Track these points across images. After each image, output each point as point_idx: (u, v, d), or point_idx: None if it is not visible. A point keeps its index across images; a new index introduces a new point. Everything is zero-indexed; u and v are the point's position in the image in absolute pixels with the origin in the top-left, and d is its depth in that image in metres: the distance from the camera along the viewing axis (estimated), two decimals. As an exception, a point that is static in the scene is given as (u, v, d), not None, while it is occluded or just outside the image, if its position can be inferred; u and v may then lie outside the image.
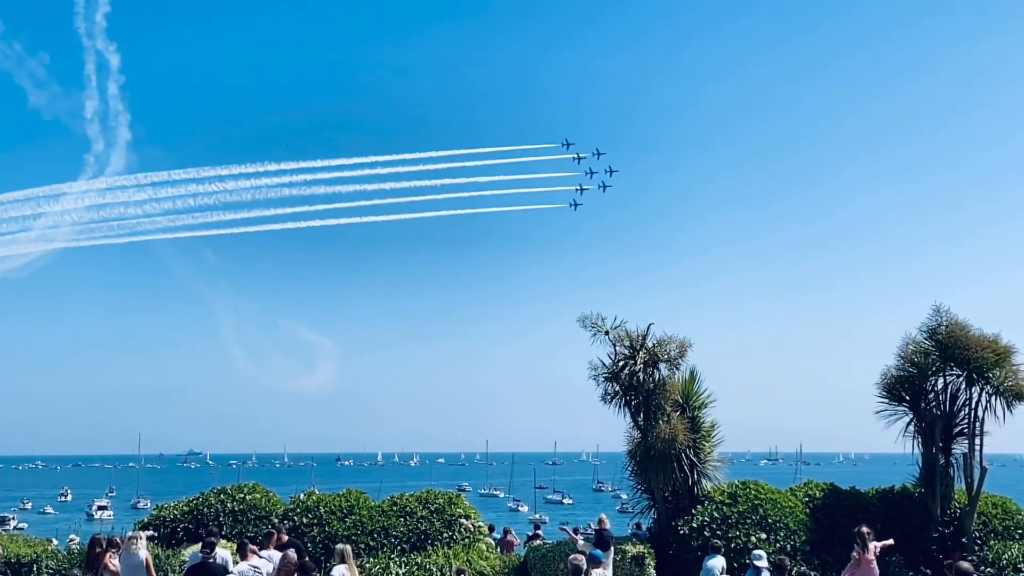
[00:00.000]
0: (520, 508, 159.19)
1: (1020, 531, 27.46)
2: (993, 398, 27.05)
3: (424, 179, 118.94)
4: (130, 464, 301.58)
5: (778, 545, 26.14)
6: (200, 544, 20.58)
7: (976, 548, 26.58)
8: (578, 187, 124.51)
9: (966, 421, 27.69)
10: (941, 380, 27.99)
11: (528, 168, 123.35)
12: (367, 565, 25.06)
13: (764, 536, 26.33)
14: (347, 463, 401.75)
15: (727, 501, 27.22)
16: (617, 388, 28.63)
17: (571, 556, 19.82)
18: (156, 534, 27.33)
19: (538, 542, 30.29)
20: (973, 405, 27.42)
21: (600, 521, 26.55)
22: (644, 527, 29.54)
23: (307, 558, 20.84)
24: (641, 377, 28.23)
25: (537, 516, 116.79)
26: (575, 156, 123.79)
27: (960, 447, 27.86)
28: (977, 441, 27.29)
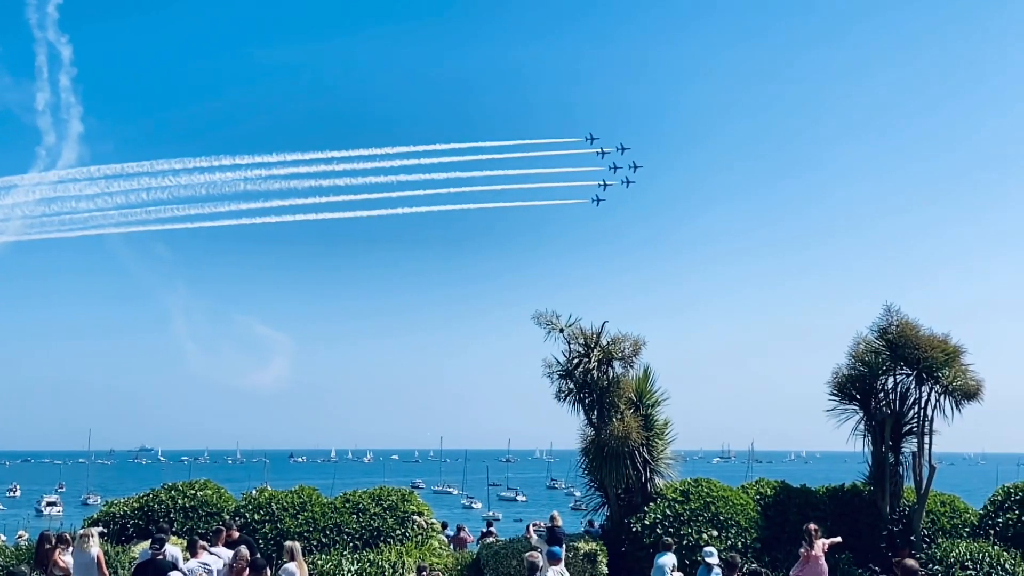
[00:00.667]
0: (474, 505, 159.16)
1: (967, 529, 27.80)
2: (942, 397, 27.36)
3: (415, 173, 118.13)
4: (80, 460, 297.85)
5: (729, 542, 26.27)
6: (150, 541, 20.41)
7: (924, 546, 26.86)
8: (601, 182, 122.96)
9: (915, 420, 27.98)
10: (891, 379, 28.27)
11: (549, 163, 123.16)
12: (319, 562, 24.95)
13: (715, 533, 26.45)
14: (300, 460, 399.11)
15: (679, 499, 27.33)
16: (571, 386, 28.65)
17: (527, 553, 19.86)
18: (106, 531, 27.04)
19: (491, 539, 30.31)
20: (922, 404, 27.72)
21: (552, 519, 26.68)
22: (597, 524, 29.62)
23: (258, 555, 20.69)
24: (595, 375, 28.28)
25: (490, 513, 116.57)
26: (599, 151, 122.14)
27: (909, 446, 28.17)
28: (926, 440, 27.59)
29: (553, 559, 20.81)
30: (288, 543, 20.85)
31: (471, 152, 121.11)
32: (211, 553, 21.25)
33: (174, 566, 19.82)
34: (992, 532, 27.16)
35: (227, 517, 27.17)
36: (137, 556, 22.98)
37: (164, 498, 28.45)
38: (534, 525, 27.49)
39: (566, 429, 29.09)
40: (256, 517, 27.67)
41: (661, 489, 28.02)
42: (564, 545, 24.51)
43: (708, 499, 27.27)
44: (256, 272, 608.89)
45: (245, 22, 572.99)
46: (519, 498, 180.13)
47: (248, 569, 18.44)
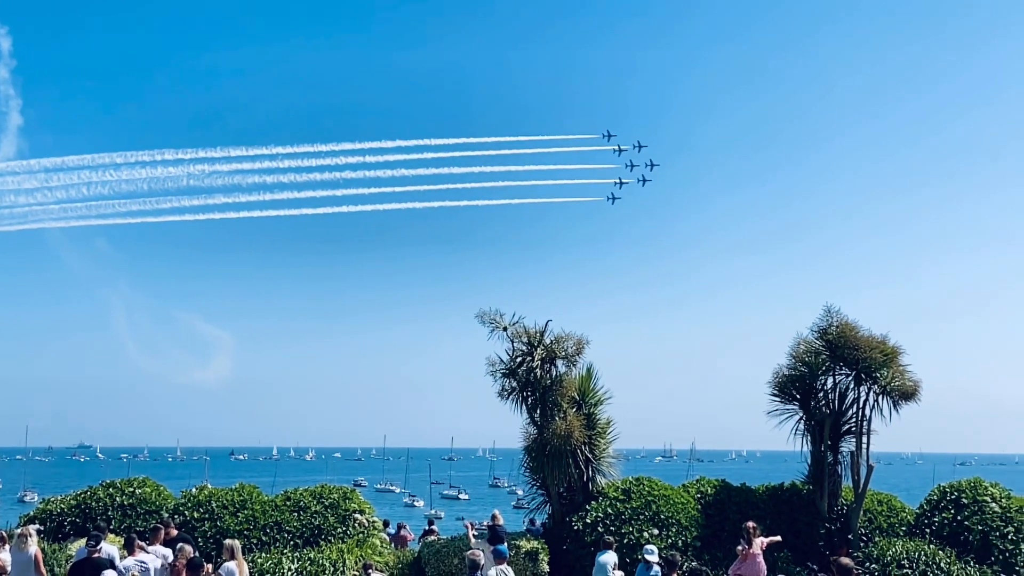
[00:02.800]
0: (416, 503, 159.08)
1: (904, 528, 28.16)
2: (880, 398, 27.70)
3: (361, 171, 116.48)
4: (17, 456, 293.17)
5: (670, 541, 26.41)
6: (86, 539, 20.16)
7: (862, 544, 27.18)
8: (617, 180, 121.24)
9: (854, 420, 28.31)
10: (831, 379, 28.56)
11: (564, 159, 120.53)
12: (259, 560, 24.83)
13: (656, 532, 26.57)
14: (241, 457, 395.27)
15: (621, 497, 27.42)
16: (514, 384, 28.64)
17: (468, 551, 19.83)
18: (42, 528, 26.66)
19: (432, 537, 30.25)
20: (861, 404, 28.06)
21: (494, 517, 26.70)
22: (539, 523, 29.67)
23: (196, 553, 20.54)
24: (538, 373, 28.30)
25: (433, 512, 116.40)
26: (616, 148, 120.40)
27: (848, 445, 28.48)
28: (864, 440, 27.95)
29: (498, 557, 20.82)
30: (228, 541, 20.73)
31: (448, 148, 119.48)
32: (147, 552, 21.02)
33: (111, 564, 19.60)
34: (928, 531, 27.51)
35: (165, 515, 26.89)
36: (74, 554, 22.72)
37: (102, 496, 28.15)
38: (471, 524, 27.53)
39: (509, 427, 29.12)
40: (195, 515, 27.42)
41: (603, 488, 28.11)
42: (506, 543, 24.55)
43: (649, 498, 27.38)
44: (199, 269, 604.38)
45: (201, 17, 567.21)
46: (462, 496, 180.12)
47: (186, 568, 18.30)
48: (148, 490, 28.58)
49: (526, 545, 26.27)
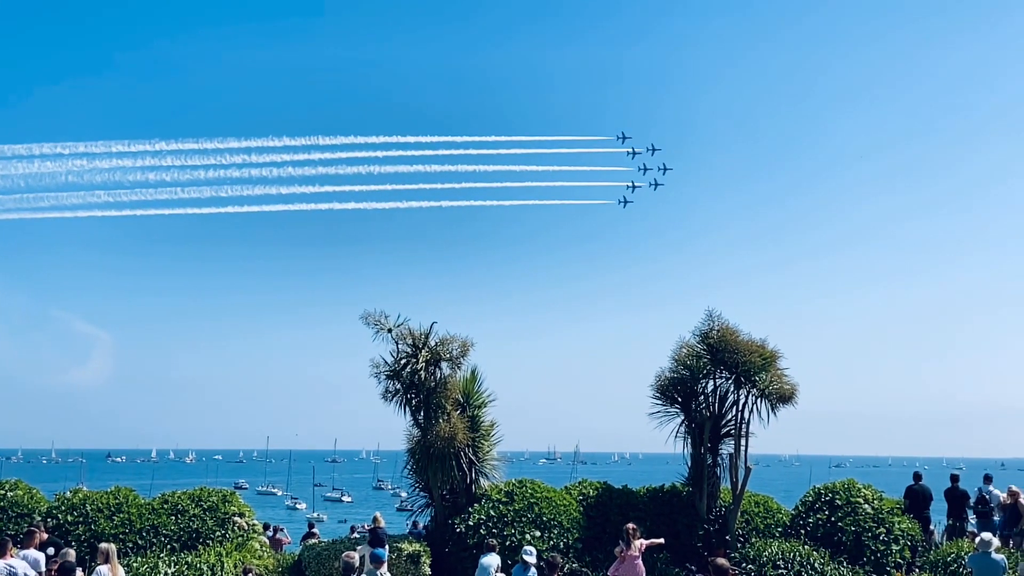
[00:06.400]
0: (298, 506, 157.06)
1: (780, 529, 28.69)
2: (759, 401, 28.19)
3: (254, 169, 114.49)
4: None
5: (552, 543, 26.54)
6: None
7: (739, 545, 27.65)
8: (630, 183, 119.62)
9: (733, 422, 28.78)
10: (711, 383, 28.95)
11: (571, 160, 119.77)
12: (135, 565, 24.29)
13: (539, 534, 26.65)
14: (119, 460, 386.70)
15: (504, 500, 27.46)
16: (398, 386, 28.50)
17: (344, 553, 19.64)
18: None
19: (313, 540, 29.94)
20: (740, 407, 28.54)
21: (375, 520, 26.59)
22: (421, 525, 29.57)
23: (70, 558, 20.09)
24: (422, 375, 28.16)
25: (315, 514, 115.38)
26: (630, 151, 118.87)
27: (727, 447, 28.94)
28: (743, 442, 28.40)
29: (376, 561, 20.68)
30: (103, 545, 20.52)
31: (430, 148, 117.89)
32: (16, 556, 20.44)
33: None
34: (803, 532, 28.05)
35: (37, 518, 26.20)
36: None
37: (-29, 498, 27.26)
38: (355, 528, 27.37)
39: (394, 429, 28.94)
40: (69, 519, 26.77)
41: (486, 490, 28.11)
42: (387, 546, 24.42)
43: (532, 500, 27.47)
44: (76, 267, 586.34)
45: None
46: (345, 499, 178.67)
47: (56, 572, 17.92)
48: (20, 493, 27.78)
49: (408, 548, 26.12)
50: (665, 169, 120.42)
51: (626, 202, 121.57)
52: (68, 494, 28.44)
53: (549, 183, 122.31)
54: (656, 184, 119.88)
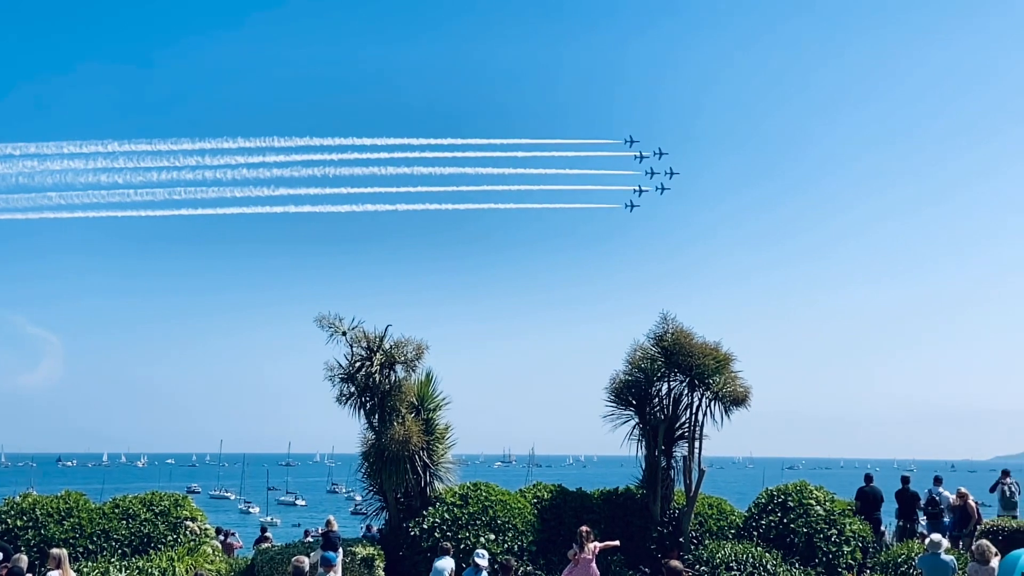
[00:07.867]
0: (251, 510, 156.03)
1: (733, 531, 28.81)
2: (713, 403, 28.28)
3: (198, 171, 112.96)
4: None
5: (506, 546, 26.53)
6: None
7: (692, 547, 27.73)
8: (637, 187, 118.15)
9: (687, 425, 28.86)
10: (665, 385, 28.98)
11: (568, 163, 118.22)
12: (85, 569, 24.09)
13: (493, 537, 26.64)
14: (70, 464, 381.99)
15: (458, 503, 27.40)
16: (353, 389, 28.35)
17: (294, 557, 19.57)
18: None
19: (266, 544, 29.75)
20: (694, 410, 28.59)
21: (328, 523, 26.47)
22: (375, 529, 29.44)
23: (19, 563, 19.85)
24: (377, 378, 28.04)
25: (268, 518, 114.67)
26: (638, 154, 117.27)
27: (681, 450, 28.99)
28: (697, 444, 28.49)
29: (326, 564, 20.60)
30: (54, 550, 20.40)
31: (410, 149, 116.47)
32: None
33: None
34: (756, 533, 28.23)
35: (-15, 524, 25.88)
36: None
37: (-82, 503, 26.89)
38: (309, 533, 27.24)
39: (348, 433, 28.79)
40: (19, 523, 26.38)
41: (440, 493, 28.02)
42: (340, 550, 24.31)
43: (486, 503, 27.43)
44: (27, 269, 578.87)
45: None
46: (298, 502, 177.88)
47: (5, 577, 17.73)
48: (-32, 497, 27.41)
49: (362, 551, 26.01)
50: (672, 173, 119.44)
51: (632, 206, 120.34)
52: (18, 499, 28.02)
53: (546, 186, 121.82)
54: (663, 188, 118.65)
